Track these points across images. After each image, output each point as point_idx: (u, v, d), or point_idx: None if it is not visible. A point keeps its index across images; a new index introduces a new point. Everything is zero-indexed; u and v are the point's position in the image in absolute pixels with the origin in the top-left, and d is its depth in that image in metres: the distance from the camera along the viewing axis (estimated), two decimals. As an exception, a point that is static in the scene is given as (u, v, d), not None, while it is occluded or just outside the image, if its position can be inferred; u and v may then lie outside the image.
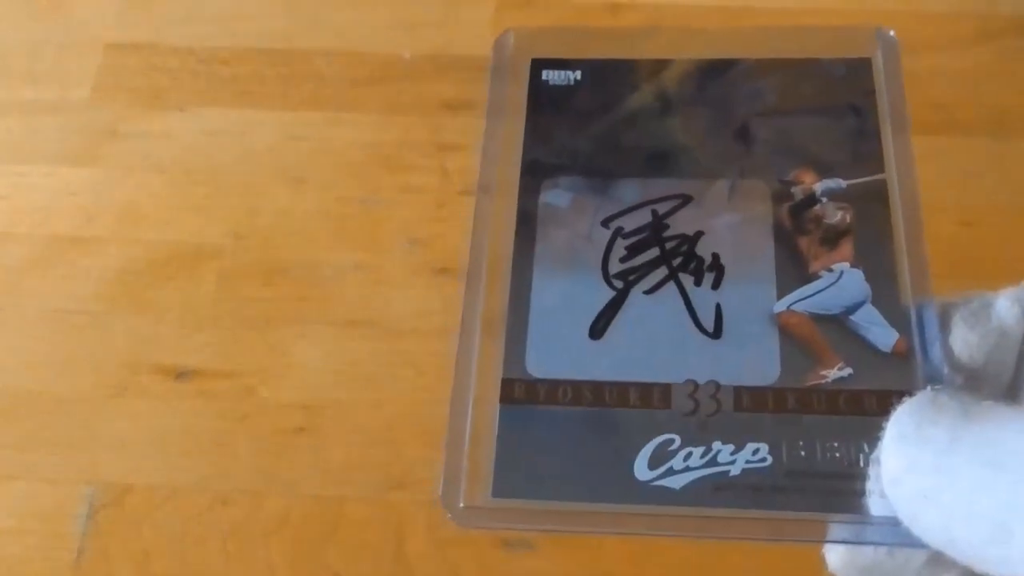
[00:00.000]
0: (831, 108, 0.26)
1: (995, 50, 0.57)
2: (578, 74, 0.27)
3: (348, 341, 0.52)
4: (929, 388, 0.20)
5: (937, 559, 0.19)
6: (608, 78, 0.27)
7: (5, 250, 0.56)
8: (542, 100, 0.27)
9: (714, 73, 0.27)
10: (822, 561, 0.21)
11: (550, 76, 0.27)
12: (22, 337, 0.54)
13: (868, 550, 0.20)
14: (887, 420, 0.20)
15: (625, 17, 0.59)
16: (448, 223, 0.55)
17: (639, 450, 0.22)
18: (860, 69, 0.26)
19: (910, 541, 0.19)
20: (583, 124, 0.26)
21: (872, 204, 0.25)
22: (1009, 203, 0.52)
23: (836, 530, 0.21)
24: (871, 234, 0.24)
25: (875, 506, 0.20)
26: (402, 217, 0.55)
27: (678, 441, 0.22)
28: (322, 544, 0.48)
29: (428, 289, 0.53)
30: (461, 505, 0.22)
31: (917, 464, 0.19)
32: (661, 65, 0.27)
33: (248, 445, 0.50)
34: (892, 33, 0.26)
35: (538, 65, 0.27)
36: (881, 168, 0.25)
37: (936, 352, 0.22)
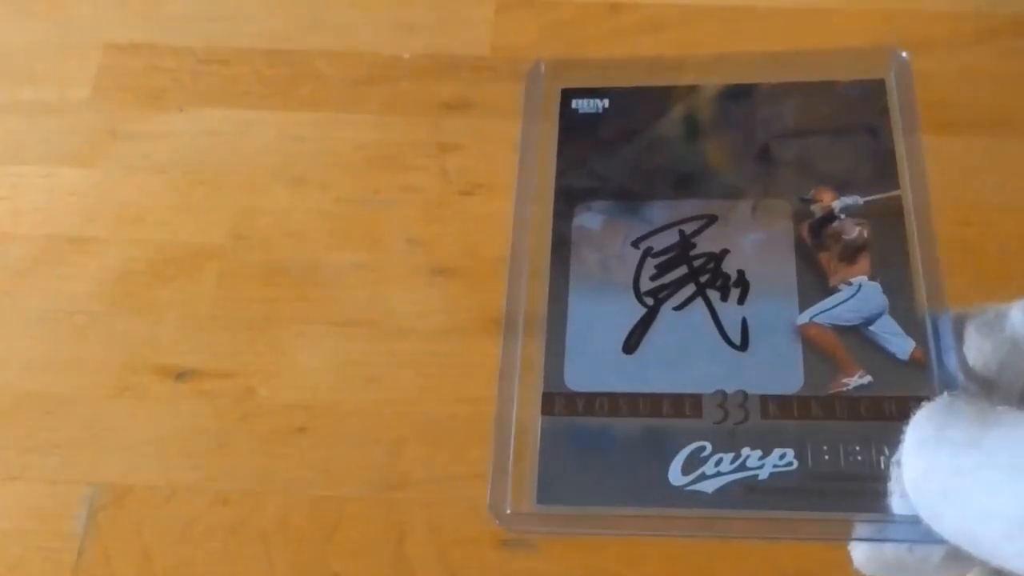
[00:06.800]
0: (848, 128, 0.27)
1: (995, 50, 0.57)
2: (606, 102, 0.28)
3: (348, 341, 0.52)
4: (946, 394, 0.21)
5: (956, 554, 0.20)
6: (635, 105, 0.28)
7: (5, 250, 0.56)
8: (572, 127, 0.28)
9: (736, 98, 0.28)
10: (848, 558, 0.22)
11: (579, 105, 0.28)
12: (22, 337, 0.54)
13: (891, 547, 0.22)
14: (907, 425, 0.21)
15: (625, 17, 0.59)
16: (448, 223, 0.55)
17: (673, 457, 0.23)
18: (875, 90, 0.27)
19: (930, 538, 0.20)
20: (612, 150, 0.28)
21: (888, 220, 0.26)
22: (1009, 203, 0.52)
23: (860, 528, 0.22)
24: (887, 248, 0.25)
25: (896, 505, 0.21)
26: (402, 217, 0.55)
27: (709, 448, 0.23)
28: (322, 544, 0.48)
29: (428, 289, 0.53)
30: (508, 511, 0.23)
31: (936, 466, 0.20)
32: (685, 92, 0.28)
33: (248, 445, 0.50)
34: (905, 55, 0.27)
35: (568, 95, 0.28)
36: (896, 185, 0.26)
37: (952, 360, 0.23)
